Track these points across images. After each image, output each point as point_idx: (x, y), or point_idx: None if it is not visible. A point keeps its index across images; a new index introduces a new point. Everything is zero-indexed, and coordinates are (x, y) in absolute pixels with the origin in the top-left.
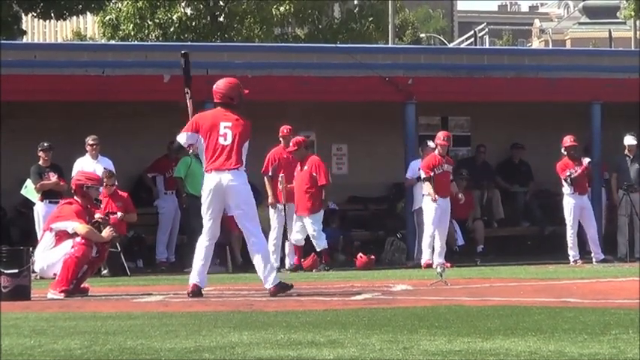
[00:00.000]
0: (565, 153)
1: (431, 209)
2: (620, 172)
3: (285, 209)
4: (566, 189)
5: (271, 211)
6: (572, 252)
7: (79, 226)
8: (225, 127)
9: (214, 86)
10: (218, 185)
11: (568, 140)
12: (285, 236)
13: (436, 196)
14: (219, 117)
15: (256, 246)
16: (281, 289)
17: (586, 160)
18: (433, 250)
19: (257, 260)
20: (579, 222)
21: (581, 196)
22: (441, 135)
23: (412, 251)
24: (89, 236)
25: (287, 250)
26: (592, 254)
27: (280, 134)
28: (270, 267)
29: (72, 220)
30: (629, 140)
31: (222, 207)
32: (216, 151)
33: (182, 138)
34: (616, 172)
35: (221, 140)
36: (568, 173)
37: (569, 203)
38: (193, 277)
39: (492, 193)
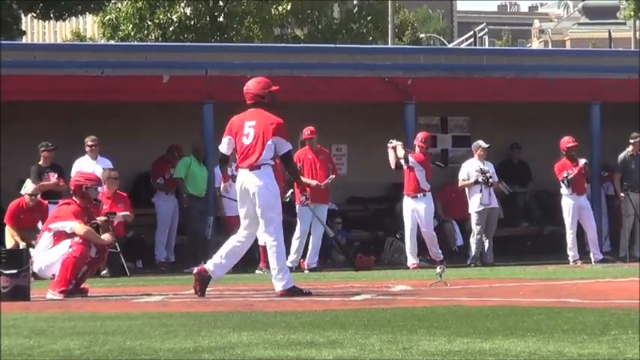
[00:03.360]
0: (564, 153)
1: (405, 210)
2: (622, 172)
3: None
4: (564, 190)
5: (300, 210)
6: (572, 252)
7: (78, 226)
8: (249, 127)
9: (244, 88)
10: (242, 184)
11: (569, 141)
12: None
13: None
14: (245, 117)
15: (268, 249)
16: (290, 294)
17: (582, 161)
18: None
19: (270, 264)
20: (578, 222)
21: (580, 197)
22: (420, 136)
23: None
24: (87, 236)
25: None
26: (591, 254)
27: (303, 136)
28: (280, 271)
29: (70, 220)
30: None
31: (252, 205)
32: (240, 150)
33: (222, 147)
34: (619, 172)
35: (244, 140)
36: (565, 174)
37: (568, 204)
38: (208, 264)
39: None
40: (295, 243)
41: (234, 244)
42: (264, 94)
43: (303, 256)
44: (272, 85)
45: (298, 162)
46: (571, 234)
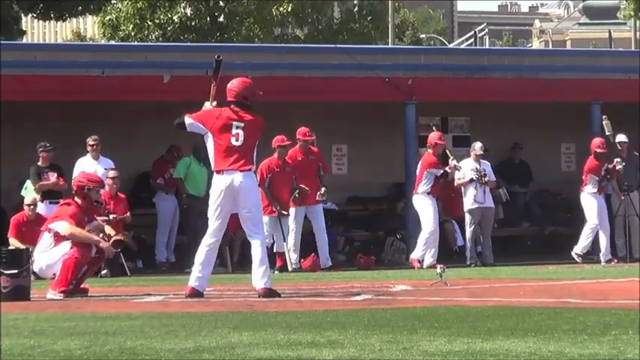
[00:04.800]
0: (597, 152)
1: (428, 206)
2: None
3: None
4: (590, 188)
5: (293, 212)
6: (584, 246)
7: (63, 226)
8: (237, 128)
9: (229, 84)
10: (230, 186)
11: (600, 144)
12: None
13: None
14: (231, 117)
15: (257, 248)
16: (271, 293)
17: (618, 161)
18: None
19: (255, 261)
20: None
21: (601, 196)
22: (438, 135)
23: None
24: (72, 236)
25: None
26: (601, 254)
27: (301, 136)
28: (266, 269)
29: (63, 220)
30: (620, 138)
31: (231, 208)
32: (228, 151)
33: (188, 120)
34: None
35: (233, 141)
36: (605, 168)
37: (592, 202)
38: (192, 280)
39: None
40: (291, 243)
41: (206, 252)
42: (249, 96)
43: (303, 256)
44: (257, 88)
45: (291, 163)
46: (593, 231)
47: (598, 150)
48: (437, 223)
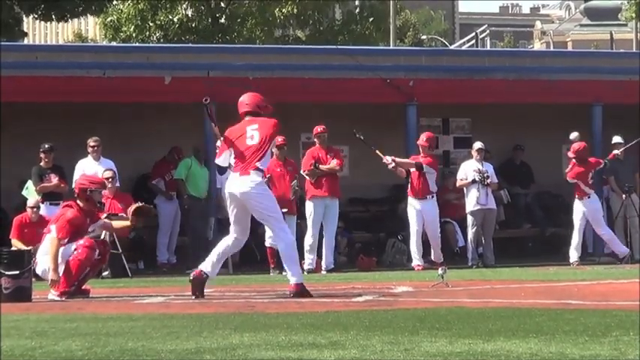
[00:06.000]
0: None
1: (410, 210)
2: (615, 174)
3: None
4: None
5: (309, 209)
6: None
7: (53, 238)
8: (252, 130)
9: (240, 100)
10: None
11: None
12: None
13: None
14: (244, 125)
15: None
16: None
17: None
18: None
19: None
20: (586, 223)
21: (585, 199)
22: (423, 136)
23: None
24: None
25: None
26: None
27: (315, 132)
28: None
29: (56, 231)
30: (616, 139)
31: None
32: (245, 152)
33: (220, 160)
34: (612, 174)
35: (248, 141)
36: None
37: (577, 207)
38: (203, 264)
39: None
40: (308, 244)
41: (228, 242)
42: (262, 107)
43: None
44: (267, 102)
45: (312, 159)
46: (575, 232)
47: (570, 155)
48: (419, 224)
